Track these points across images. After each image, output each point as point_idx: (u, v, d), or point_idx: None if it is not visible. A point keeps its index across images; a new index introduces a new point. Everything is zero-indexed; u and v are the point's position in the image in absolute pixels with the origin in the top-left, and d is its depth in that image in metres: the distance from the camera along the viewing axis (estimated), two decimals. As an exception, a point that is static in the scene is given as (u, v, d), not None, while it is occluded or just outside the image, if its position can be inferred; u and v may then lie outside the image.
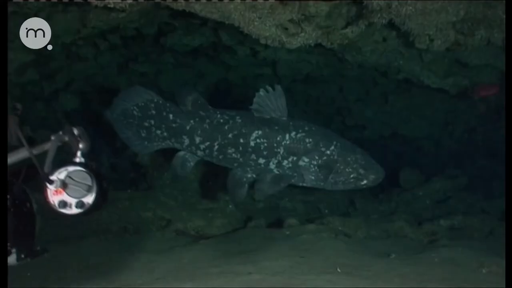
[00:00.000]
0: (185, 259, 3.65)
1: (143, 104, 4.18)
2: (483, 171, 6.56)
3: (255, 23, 3.51)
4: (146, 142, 4.18)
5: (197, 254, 3.76)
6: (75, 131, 1.75)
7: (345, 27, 3.76)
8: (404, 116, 6.89)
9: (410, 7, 3.36)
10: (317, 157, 4.00)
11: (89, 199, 1.62)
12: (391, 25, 3.74)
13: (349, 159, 4.05)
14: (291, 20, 3.56)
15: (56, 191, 1.59)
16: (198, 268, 3.32)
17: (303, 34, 3.63)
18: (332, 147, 4.01)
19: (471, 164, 6.81)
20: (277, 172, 4.07)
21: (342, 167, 4.04)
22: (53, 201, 1.60)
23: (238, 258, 3.49)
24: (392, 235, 4.53)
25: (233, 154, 4.05)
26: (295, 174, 4.04)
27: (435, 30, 3.64)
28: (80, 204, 1.61)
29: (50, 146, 1.69)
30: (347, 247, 3.92)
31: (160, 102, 4.12)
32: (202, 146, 4.06)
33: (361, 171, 4.08)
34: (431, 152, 7.48)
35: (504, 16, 3.43)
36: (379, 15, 3.48)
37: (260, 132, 3.98)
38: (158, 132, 4.11)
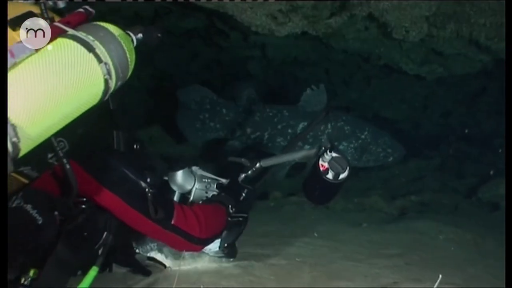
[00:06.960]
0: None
1: (199, 99, 4.69)
2: (457, 152, 6.96)
3: (248, 12, 3.86)
4: (201, 133, 4.74)
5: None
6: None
7: (329, 17, 4.10)
8: (386, 100, 7.25)
9: (387, 2, 3.73)
10: (354, 141, 4.66)
11: (344, 174, 2.29)
12: (371, 16, 4.11)
13: (379, 141, 4.86)
14: (280, 10, 3.90)
15: (322, 165, 2.26)
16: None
17: (290, 23, 3.97)
18: (366, 132, 4.75)
19: (447, 146, 7.20)
20: None
21: (374, 148, 4.80)
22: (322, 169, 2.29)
23: (227, 224, 3.86)
24: (367, 208, 4.92)
25: (281, 142, 4.62)
26: None
27: (410, 23, 4.01)
28: (336, 176, 2.27)
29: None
30: (325, 217, 4.33)
31: (214, 98, 4.65)
32: (252, 136, 4.61)
33: (389, 150, 4.83)
34: (410, 134, 7.85)
35: (472, 12, 3.83)
36: (359, 8, 3.85)
37: (305, 123, 4.57)
38: (212, 124, 4.66)
